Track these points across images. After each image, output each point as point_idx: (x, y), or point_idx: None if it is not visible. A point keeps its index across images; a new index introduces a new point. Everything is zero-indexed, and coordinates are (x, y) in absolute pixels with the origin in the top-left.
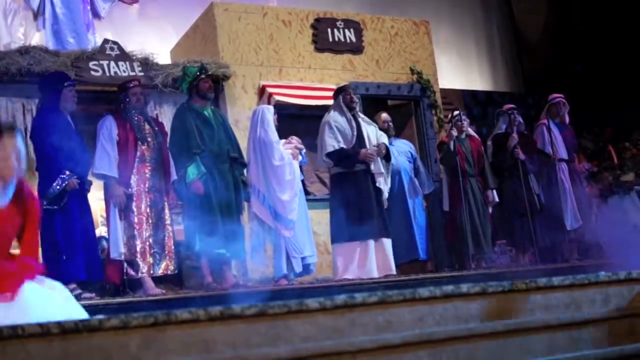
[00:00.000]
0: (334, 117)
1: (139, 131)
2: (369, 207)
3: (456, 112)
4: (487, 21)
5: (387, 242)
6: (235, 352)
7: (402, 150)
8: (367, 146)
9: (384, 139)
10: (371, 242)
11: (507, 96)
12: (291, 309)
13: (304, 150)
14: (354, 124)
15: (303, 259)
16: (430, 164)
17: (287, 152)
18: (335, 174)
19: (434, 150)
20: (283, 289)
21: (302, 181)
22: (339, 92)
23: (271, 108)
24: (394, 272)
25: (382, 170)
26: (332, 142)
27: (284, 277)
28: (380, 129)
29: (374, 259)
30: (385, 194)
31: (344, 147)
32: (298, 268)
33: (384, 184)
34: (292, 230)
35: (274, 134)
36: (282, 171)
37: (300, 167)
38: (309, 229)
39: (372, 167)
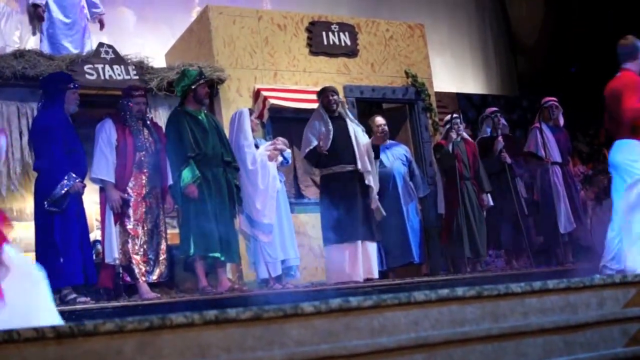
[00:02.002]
0: (310, 123)
1: (137, 137)
2: (353, 209)
3: (455, 115)
4: (481, 24)
5: (371, 246)
6: (230, 356)
7: (397, 153)
8: (354, 146)
9: (366, 140)
10: (358, 244)
11: (502, 99)
12: (286, 312)
13: (287, 152)
14: (330, 126)
15: (283, 261)
16: (425, 167)
17: (262, 155)
18: (324, 176)
19: (428, 154)
20: (278, 293)
21: (297, 184)
22: (319, 95)
23: (246, 111)
24: (375, 276)
25: (369, 167)
26: (303, 149)
27: (277, 281)
28: (375, 132)
29: (360, 261)
30: (374, 193)
31: (311, 147)
32: (276, 271)
33: (373, 182)
34: (270, 234)
35: (246, 138)
36: (254, 176)
37: (279, 168)
38: (291, 232)
39: (359, 166)
